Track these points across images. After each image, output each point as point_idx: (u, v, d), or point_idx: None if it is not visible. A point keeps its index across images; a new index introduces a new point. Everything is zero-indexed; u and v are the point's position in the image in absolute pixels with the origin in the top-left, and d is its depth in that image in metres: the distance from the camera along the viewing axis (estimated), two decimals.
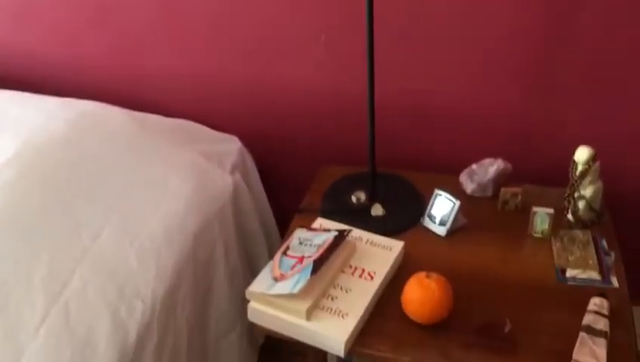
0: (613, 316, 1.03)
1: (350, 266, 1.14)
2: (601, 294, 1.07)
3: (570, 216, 1.25)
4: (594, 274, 1.14)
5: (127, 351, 0.99)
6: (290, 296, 1.03)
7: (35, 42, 1.61)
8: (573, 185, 1.22)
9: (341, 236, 1.15)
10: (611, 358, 0.97)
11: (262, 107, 1.55)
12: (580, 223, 1.25)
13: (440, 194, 1.26)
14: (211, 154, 1.41)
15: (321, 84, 1.48)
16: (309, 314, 1.03)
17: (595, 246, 1.20)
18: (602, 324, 1.01)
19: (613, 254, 1.18)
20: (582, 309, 1.05)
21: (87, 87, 1.60)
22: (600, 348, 0.97)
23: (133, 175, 1.26)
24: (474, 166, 1.37)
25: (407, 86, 1.43)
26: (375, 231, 1.22)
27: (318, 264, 1.07)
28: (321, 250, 1.10)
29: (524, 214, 1.26)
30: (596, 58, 1.30)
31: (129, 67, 1.58)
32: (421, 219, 1.29)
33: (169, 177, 1.28)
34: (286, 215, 1.38)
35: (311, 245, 1.14)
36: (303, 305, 1.03)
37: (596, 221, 1.26)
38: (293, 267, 1.08)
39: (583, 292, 1.09)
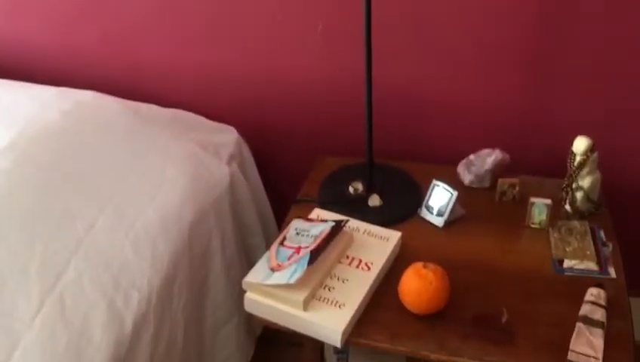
0: (610, 306, 1.03)
1: (347, 257, 1.14)
2: (599, 285, 1.07)
3: (567, 207, 1.25)
4: (591, 265, 1.14)
5: (123, 341, 0.98)
6: (287, 287, 1.03)
7: (29, 31, 1.59)
8: (571, 175, 1.22)
9: (338, 226, 1.15)
10: (608, 348, 0.97)
11: (259, 97, 1.54)
12: (578, 214, 1.24)
13: (437, 185, 1.26)
14: (208, 144, 1.40)
15: (318, 74, 1.47)
16: (305, 305, 1.03)
17: (592, 236, 1.19)
18: (599, 315, 1.01)
19: (610, 245, 1.18)
20: (579, 300, 1.05)
21: (82, 77, 1.59)
22: (597, 338, 0.98)
23: (128, 165, 1.26)
24: (471, 156, 1.36)
25: (405, 76, 1.42)
26: (372, 221, 1.22)
27: (315, 254, 1.06)
28: (318, 241, 1.10)
29: (521, 205, 1.25)
30: (595, 48, 1.30)
31: (125, 57, 1.56)
32: (418, 209, 1.29)
33: (165, 167, 1.28)
34: (283, 205, 1.38)
35: (308, 235, 1.13)
36: (300, 296, 1.02)
37: (594, 212, 1.26)
38: (290, 257, 1.08)
39: (580, 283, 1.09)
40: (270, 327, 1.08)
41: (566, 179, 1.23)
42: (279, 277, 1.04)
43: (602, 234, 1.21)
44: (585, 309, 1.02)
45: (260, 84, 1.52)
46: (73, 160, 1.21)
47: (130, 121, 1.38)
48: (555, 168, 1.29)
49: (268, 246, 1.15)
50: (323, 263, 1.09)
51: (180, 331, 1.14)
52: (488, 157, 1.34)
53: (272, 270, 1.07)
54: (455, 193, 1.23)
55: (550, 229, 1.22)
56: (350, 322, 1.02)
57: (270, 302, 1.05)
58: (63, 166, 1.19)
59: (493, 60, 1.36)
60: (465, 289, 1.08)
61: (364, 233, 1.19)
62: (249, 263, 1.35)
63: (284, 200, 1.40)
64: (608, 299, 1.04)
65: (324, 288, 1.07)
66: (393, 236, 1.18)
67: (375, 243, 1.17)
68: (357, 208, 1.29)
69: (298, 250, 1.10)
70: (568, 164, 1.22)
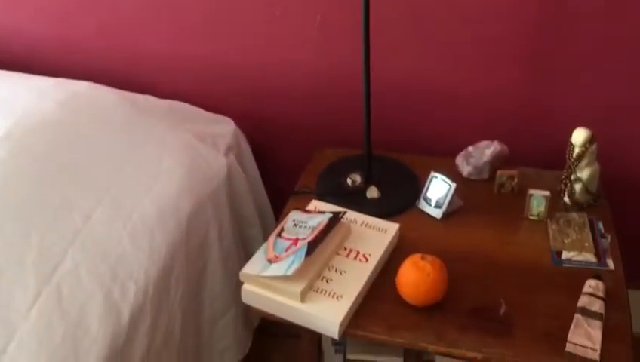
0: (608, 298, 1.03)
1: (345, 248, 1.13)
2: (597, 276, 1.06)
3: (566, 199, 1.25)
4: (590, 257, 1.13)
5: (119, 332, 0.98)
6: (285, 278, 1.02)
7: (26, 23, 1.58)
8: (569, 167, 1.22)
9: (336, 218, 1.14)
10: (606, 340, 0.97)
11: (257, 89, 1.53)
12: (577, 206, 1.24)
13: (436, 177, 1.25)
14: (205, 135, 1.39)
15: (316, 65, 1.46)
16: (303, 296, 1.02)
17: (591, 228, 1.19)
18: (597, 306, 1.01)
19: (609, 237, 1.18)
20: (577, 291, 1.04)
21: (79, 69, 1.58)
22: (595, 329, 0.97)
23: (125, 156, 1.25)
24: (470, 148, 1.36)
25: (403, 69, 1.41)
26: (370, 213, 1.22)
27: (313, 246, 1.06)
28: (315, 232, 1.10)
29: (520, 197, 1.25)
30: (595, 41, 1.29)
31: (122, 48, 1.55)
32: (417, 201, 1.28)
33: (162, 158, 1.27)
34: (281, 197, 1.37)
35: (305, 227, 1.13)
36: (297, 287, 1.02)
37: (593, 203, 1.25)
38: (287, 249, 1.08)
39: (578, 275, 1.09)
40: (268, 319, 1.08)
41: (565, 170, 1.23)
42: (277, 269, 1.04)
43: (601, 225, 1.20)
44: (583, 301, 1.02)
45: (258, 76, 1.51)
46: (69, 150, 1.21)
47: (128, 112, 1.37)
48: (554, 160, 1.28)
49: (265, 238, 1.15)
50: (320, 255, 1.08)
51: (178, 322, 1.14)
52: (487, 149, 1.33)
53: (270, 261, 1.06)
54: (453, 185, 1.22)
55: (549, 221, 1.21)
56: (348, 314, 1.02)
57: (267, 293, 1.05)
58: (59, 156, 1.19)
59: (492, 52, 1.35)
60: (463, 280, 1.08)
61: (362, 225, 1.19)
62: (246, 255, 1.35)
63: (281, 192, 1.40)
64: (606, 291, 1.04)
65: (322, 280, 1.07)
66: (391, 228, 1.18)
67: (373, 235, 1.16)
68: (355, 200, 1.28)
69: (296, 241, 1.09)
70: (567, 156, 1.22)
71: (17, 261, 0.99)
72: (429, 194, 1.26)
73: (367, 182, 1.32)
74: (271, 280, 1.04)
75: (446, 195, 1.23)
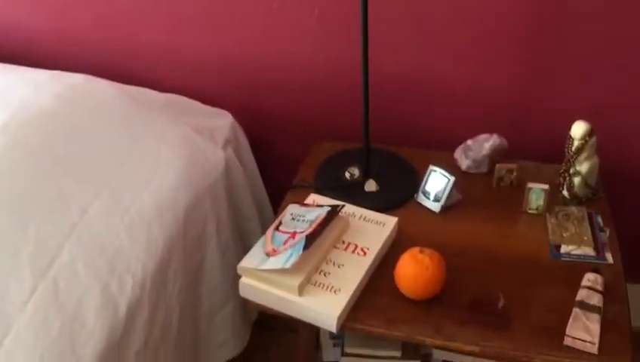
0: (607, 292, 1.03)
1: (343, 242, 1.13)
2: (595, 270, 1.06)
3: (565, 193, 1.24)
4: (588, 250, 1.13)
5: (117, 326, 0.98)
6: (282, 272, 1.02)
7: (23, 15, 1.57)
8: (568, 160, 1.21)
9: (334, 211, 1.14)
10: (605, 334, 0.96)
11: (255, 83, 1.53)
12: (576, 199, 1.24)
13: (434, 170, 1.25)
14: (203, 128, 1.39)
15: (314, 58, 1.45)
16: (301, 290, 1.02)
17: (590, 222, 1.19)
18: (596, 300, 1.00)
19: (608, 230, 1.17)
20: (576, 285, 1.04)
21: (76, 61, 1.57)
22: (593, 323, 0.97)
23: (123, 149, 1.24)
24: (469, 142, 1.35)
25: (402, 62, 1.41)
26: (369, 206, 1.21)
27: (311, 239, 1.06)
28: (313, 226, 1.09)
29: (519, 190, 1.25)
30: (595, 34, 1.28)
31: (119, 41, 1.55)
32: (415, 195, 1.28)
33: (160, 151, 1.26)
34: (279, 191, 1.37)
35: (303, 220, 1.12)
36: (295, 281, 1.02)
37: (591, 197, 1.25)
38: (285, 242, 1.07)
39: (577, 268, 1.08)
40: (266, 313, 1.07)
41: (564, 164, 1.23)
42: (274, 262, 1.03)
43: (600, 219, 1.20)
44: (581, 294, 1.02)
45: (256, 69, 1.50)
46: (66, 143, 1.20)
47: (125, 105, 1.37)
48: (554, 153, 1.28)
49: (264, 232, 1.14)
50: (319, 248, 1.08)
51: (175, 316, 1.13)
52: (486, 143, 1.33)
53: (268, 255, 1.06)
54: (452, 178, 1.22)
55: (547, 215, 1.21)
56: (346, 307, 1.01)
57: (265, 287, 1.04)
58: (55, 149, 1.18)
59: (492, 45, 1.34)
60: (461, 274, 1.08)
61: (360, 218, 1.19)
62: (244, 248, 1.35)
63: (280, 186, 1.39)
64: (605, 285, 1.04)
65: (320, 273, 1.06)
66: (389, 221, 1.17)
67: (371, 229, 1.16)
68: (353, 193, 1.28)
69: (294, 234, 1.09)
70: (566, 149, 1.21)
71: (13, 254, 0.99)
72: (427, 188, 1.26)
73: (366, 175, 1.32)
74: (269, 274, 1.03)
75: (445, 189, 1.23)
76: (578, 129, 1.18)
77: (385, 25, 1.34)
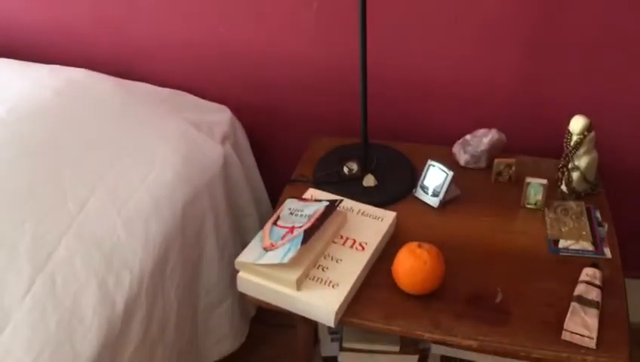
0: (605, 286, 1.03)
1: (341, 236, 1.13)
2: (594, 264, 1.06)
3: (563, 187, 1.24)
4: (587, 245, 1.13)
5: (114, 321, 0.98)
6: (280, 266, 1.02)
7: (20, 9, 1.57)
8: (567, 155, 1.21)
9: (332, 206, 1.14)
10: (603, 328, 0.96)
11: (253, 78, 1.52)
12: (574, 194, 1.24)
13: (433, 165, 1.25)
14: (201, 123, 1.39)
15: (313, 53, 1.45)
16: (299, 284, 1.02)
17: (588, 217, 1.19)
18: (594, 294, 1.00)
19: (606, 225, 1.17)
20: (574, 280, 1.04)
21: (73, 56, 1.57)
22: (592, 318, 0.97)
23: (121, 144, 1.24)
24: (468, 137, 1.35)
25: (401, 56, 1.40)
26: (367, 201, 1.21)
27: (309, 234, 1.06)
28: (312, 220, 1.09)
29: (517, 185, 1.25)
30: (594, 30, 1.28)
31: (116, 36, 1.54)
32: (413, 190, 1.28)
33: (158, 146, 1.26)
34: (277, 186, 1.37)
35: (302, 215, 1.12)
36: (293, 275, 1.01)
37: (590, 192, 1.25)
38: (283, 237, 1.07)
39: (575, 263, 1.08)
40: (264, 308, 1.07)
41: (562, 159, 1.22)
42: (272, 257, 1.03)
43: (598, 214, 1.20)
44: (580, 289, 1.02)
45: (254, 64, 1.50)
46: (64, 138, 1.20)
47: (123, 100, 1.36)
48: (552, 148, 1.28)
49: (262, 227, 1.14)
50: (317, 243, 1.08)
51: (173, 311, 1.13)
52: (484, 137, 1.33)
53: (266, 249, 1.06)
54: (450, 173, 1.22)
55: (546, 209, 1.21)
56: (344, 302, 1.01)
57: (263, 281, 1.04)
58: (53, 144, 1.18)
59: (490, 40, 1.34)
60: (459, 269, 1.08)
61: (358, 213, 1.18)
62: (243, 243, 1.34)
63: (278, 181, 1.39)
64: (603, 279, 1.04)
65: (318, 268, 1.06)
66: (388, 216, 1.17)
67: (370, 223, 1.16)
68: (352, 188, 1.28)
69: (292, 229, 1.09)
70: (565, 144, 1.21)
71: (11, 249, 0.99)
72: (426, 183, 1.25)
73: (364, 170, 1.32)
74: (267, 269, 1.03)
75: (443, 184, 1.22)
76: (577, 123, 1.18)
77: (383, 20, 1.33)
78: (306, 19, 1.40)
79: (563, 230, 1.16)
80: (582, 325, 0.96)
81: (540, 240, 1.15)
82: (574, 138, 1.19)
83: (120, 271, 1.03)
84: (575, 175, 1.22)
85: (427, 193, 1.25)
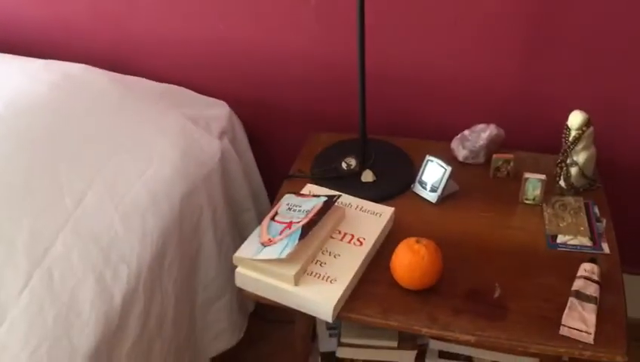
0: (603, 282, 1.03)
1: (339, 232, 1.13)
2: (592, 260, 1.06)
3: (562, 183, 1.24)
4: (585, 241, 1.13)
5: (112, 316, 0.97)
6: (278, 261, 1.02)
7: (17, 3, 1.56)
8: (565, 151, 1.21)
9: (330, 201, 1.14)
10: (601, 324, 0.96)
11: (252, 73, 1.52)
12: (572, 189, 1.23)
13: (431, 161, 1.25)
14: (199, 118, 1.38)
15: (311, 49, 1.44)
16: (297, 280, 1.02)
17: (586, 212, 1.19)
18: (592, 290, 1.00)
19: (604, 221, 1.17)
20: (572, 275, 1.04)
21: (70, 51, 1.56)
22: (589, 313, 0.97)
23: (118, 139, 1.24)
24: (466, 132, 1.35)
25: (398, 52, 1.40)
26: (365, 197, 1.21)
27: (307, 229, 1.05)
28: (310, 216, 1.09)
29: (515, 181, 1.24)
30: (593, 24, 1.27)
31: (114, 31, 1.54)
32: (412, 185, 1.27)
33: (155, 141, 1.26)
34: (275, 181, 1.36)
35: (300, 211, 1.12)
36: (291, 270, 1.01)
37: (588, 187, 1.25)
38: (281, 232, 1.07)
39: (573, 258, 1.08)
40: (263, 304, 1.07)
41: (561, 154, 1.22)
42: (270, 252, 1.03)
43: (596, 209, 1.20)
44: (578, 284, 1.02)
45: (252, 59, 1.49)
46: (61, 133, 1.20)
47: (121, 95, 1.36)
48: (551, 144, 1.28)
49: (260, 222, 1.14)
50: (315, 238, 1.08)
51: (171, 306, 1.13)
52: (483, 133, 1.32)
53: (263, 245, 1.06)
54: (449, 168, 1.21)
55: (544, 205, 1.21)
56: (342, 297, 1.01)
57: (261, 277, 1.04)
58: (50, 139, 1.17)
59: (488, 35, 1.34)
60: (458, 264, 1.08)
61: (356, 208, 1.18)
62: (241, 239, 1.34)
63: (276, 176, 1.39)
64: (601, 274, 1.04)
65: (316, 263, 1.06)
66: (386, 211, 1.17)
67: (368, 219, 1.15)
68: (350, 184, 1.27)
69: (289, 224, 1.08)
70: (563, 139, 1.21)
71: (8, 244, 0.99)
72: (424, 178, 1.25)
73: (363, 165, 1.32)
74: (264, 264, 1.03)
75: (441, 179, 1.22)
76: (575, 119, 1.18)
77: (382, 15, 1.33)
78: (305, 15, 1.39)
79: (561, 225, 1.16)
80: (580, 320, 0.96)
81: (538, 236, 1.15)
82: (573, 133, 1.19)
83: (117, 266, 1.03)
84: (573, 170, 1.22)
85: (425, 188, 1.25)
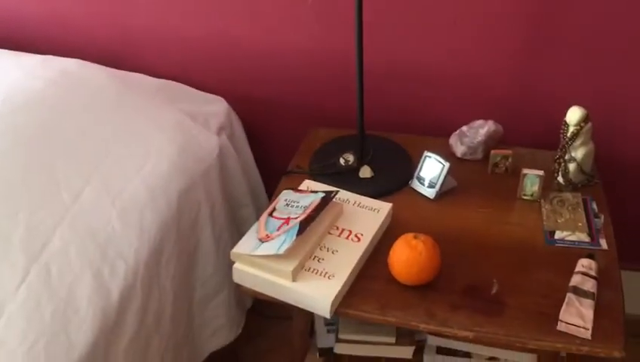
0: (601, 278, 1.03)
1: (337, 227, 1.12)
2: (589, 255, 1.06)
3: (560, 179, 1.24)
4: (583, 237, 1.13)
5: (109, 312, 0.97)
6: (276, 257, 1.02)
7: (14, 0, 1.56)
8: (564, 146, 1.21)
9: (328, 197, 1.13)
10: (598, 319, 0.96)
11: (250, 69, 1.51)
12: (570, 185, 1.23)
13: (429, 157, 1.24)
14: (197, 114, 1.38)
15: (309, 45, 1.44)
16: (294, 275, 1.02)
17: (584, 208, 1.19)
18: (590, 285, 1.00)
19: (602, 217, 1.17)
20: (570, 271, 1.04)
21: (67, 47, 1.56)
22: (587, 309, 0.97)
23: (115, 134, 1.23)
24: (464, 128, 1.35)
25: (396, 48, 1.40)
26: (363, 193, 1.21)
27: (305, 225, 1.05)
28: (307, 211, 1.09)
29: (514, 177, 1.24)
30: (592, 20, 1.27)
31: (112, 27, 1.53)
32: (410, 181, 1.27)
33: (153, 137, 1.26)
34: (273, 177, 1.36)
35: (298, 206, 1.12)
36: (289, 266, 1.01)
37: (587, 183, 1.25)
38: (279, 228, 1.07)
39: (571, 254, 1.08)
40: (261, 300, 1.07)
41: (559, 150, 1.22)
42: (268, 248, 1.03)
43: (594, 205, 1.20)
44: (575, 280, 1.02)
45: (250, 55, 1.49)
46: (58, 129, 1.19)
47: (118, 90, 1.35)
48: (549, 140, 1.28)
49: (258, 218, 1.14)
50: (313, 234, 1.07)
51: (169, 302, 1.13)
52: (481, 129, 1.32)
53: (261, 240, 1.05)
54: (447, 164, 1.21)
55: (542, 201, 1.21)
56: (339, 293, 1.01)
57: (259, 272, 1.04)
58: (47, 135, 1.17)
59: (487, 32, 1.33)
60: (455, 260, 1.08)
61: (354, 204, 1.18)
62: (239, 235, 1.33)
63: (274, 172, 1.39)
64: (599, 270, 1.04)
65: (314, 259, 1.06)
66: (384, 207, 1.17)
67: (366, 215, 1.15)
68: (348, 179, 1.27)
69: (287, 220, 1.08)
70: (561, 135, 1.21)
71: (5, 239, 0.98)
72: (422, 174, 1.25)
73: (361, 161, 1.31)
74: (262, 260, 1.03)
75: (439, 175, 1.22)
76: (573, 114, 1.17)
77: (379, 11, 1.33)
78: (303, 12, 1.39)
79: (559, 221, 1.16)
80: (577, 316, 0.96)
81: (536, 232, 1.15)
82: (571, 129, 1.18)
83: (115, 262, 1.03)
84: (572, 166, 1.22)
85: (423, 184, 1.25)
